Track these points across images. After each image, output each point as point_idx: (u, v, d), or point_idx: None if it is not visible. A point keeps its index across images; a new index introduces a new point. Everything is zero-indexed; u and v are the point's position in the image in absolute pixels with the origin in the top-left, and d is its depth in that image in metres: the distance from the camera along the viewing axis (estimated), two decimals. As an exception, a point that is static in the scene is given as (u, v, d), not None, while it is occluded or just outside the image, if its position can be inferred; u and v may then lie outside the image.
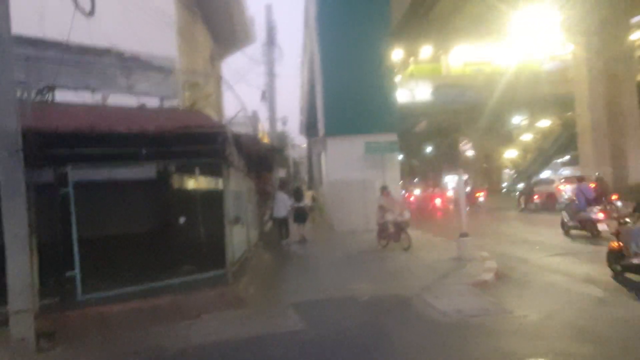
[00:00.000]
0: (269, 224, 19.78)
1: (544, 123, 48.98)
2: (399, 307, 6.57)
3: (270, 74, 18.37)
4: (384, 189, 11.74)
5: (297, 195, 14.97)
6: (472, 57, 41.98)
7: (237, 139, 7.11)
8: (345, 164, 17.81)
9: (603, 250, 8.14)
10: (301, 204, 14.82)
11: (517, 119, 47.01)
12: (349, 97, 17.85)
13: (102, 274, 6.77)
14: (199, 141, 7.09)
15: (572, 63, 26.94)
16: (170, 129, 6.66)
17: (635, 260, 6.64)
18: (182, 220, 7.55)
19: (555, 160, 52.85)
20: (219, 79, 25.86)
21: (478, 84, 37.13)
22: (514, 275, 8.43)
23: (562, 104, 37.24)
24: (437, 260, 9.79)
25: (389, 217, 11.35)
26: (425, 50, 39.99)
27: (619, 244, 7.21)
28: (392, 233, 11.51)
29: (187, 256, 7.94)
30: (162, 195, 9.15)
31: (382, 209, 11.53)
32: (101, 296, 6.51)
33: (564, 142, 46.06)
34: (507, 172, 50.93)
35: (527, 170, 50.26)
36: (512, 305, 6.16)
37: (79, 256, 6.41)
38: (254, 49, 19.65)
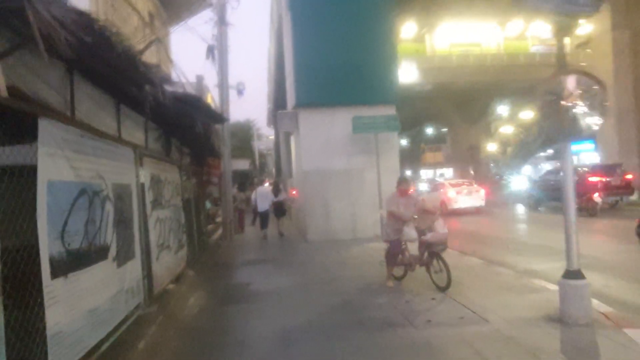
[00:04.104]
0: (219, 233, 14.74)
1: (527, 115, 45.83)
2: None
3: (221, 22, 13.09)
4: (402, 183, 6.73)
5: (276, 190, 14.94)
6: (459, 38, 37.81)
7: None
8: (323, 148, 12.80)
9: None
10: (280, 199, 14.68)
11: (500, 110, 43.50)
12: (329, 55, 12.81)
13: None
14: None
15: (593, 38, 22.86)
16: None
17: None
18: None
19: (538, 154, 49.89)
20: (162, 44, 20.44)
21: (469, 66, 32.81)
22: None
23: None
24: (524, 325, 4.93)
25: (410, 232, 6.42)
26: (409, 29, 35.64)
27: None
28: (414, 258, 6.62)
29: None
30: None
31: (396, 217, 6.56)
32: None
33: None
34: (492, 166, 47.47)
35: (507, 165, 46.92)
36: None
37: None
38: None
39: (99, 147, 4.00)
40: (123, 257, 4.47)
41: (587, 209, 14.72)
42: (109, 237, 4.07)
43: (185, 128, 6.75)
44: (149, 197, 5.74)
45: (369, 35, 13.16)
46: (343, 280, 7.64)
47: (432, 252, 6.27)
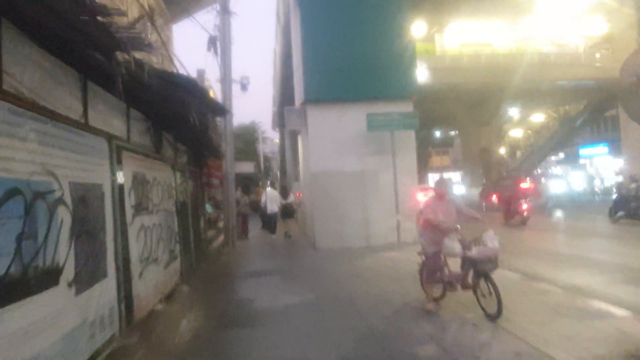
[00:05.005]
0: (221, 239, 13.70)
1: (538, 117, 44.83)
2: None
3: (224, 11, 12.07)
4: (440, 185, 5.61)
5: (284, 192, 15.22)
6: (469, 37, 36.89)
7: None
8: (334, 147, 11.74)
9: None
10: (288, 201, 14.87)
11: (510, 112, 42.35)
12: (339, 48, 11.78)
13: None
14: None
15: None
16: None
17: None
18: None
19: (549, 158, 48.62)
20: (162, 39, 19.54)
21: (481, 66, 31.68)
22: None
23: (576, 90, 32.49)
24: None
25: (452, 245, 5.29)
26: (418, 28, 34.60)
27: None
28: (455, 277, 5.51)
29: None
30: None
31: (432, 226, 5.43)
32: None
33: (561, 138, 41.56)
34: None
35: (519, 168, 45.61)
36: None
37: None
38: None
39: (48, 133, 2.95)
40: (87, 279, 3.41)
41: (491, 209, 20.78)
42: (62, 254, 3.01)
43: (180, 120, 5.70)
44: (130, 200, 4.68)
45: (382, 24, 12.12)
46: (360, 298, 6.56)
47: (478, 271, 5.15)
